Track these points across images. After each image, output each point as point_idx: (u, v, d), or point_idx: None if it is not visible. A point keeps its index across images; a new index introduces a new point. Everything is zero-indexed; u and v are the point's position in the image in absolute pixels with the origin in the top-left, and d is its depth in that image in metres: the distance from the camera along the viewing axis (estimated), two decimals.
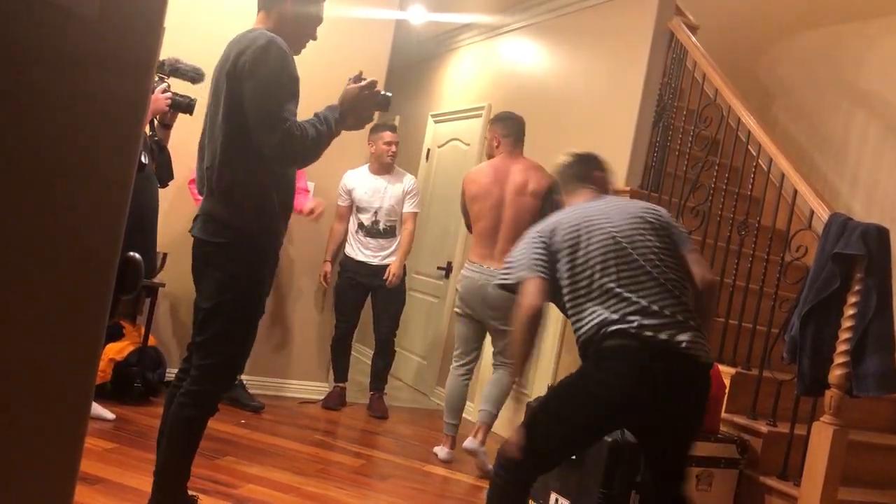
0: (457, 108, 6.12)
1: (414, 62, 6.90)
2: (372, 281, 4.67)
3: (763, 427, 3.19)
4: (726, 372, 3.29)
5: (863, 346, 2.88)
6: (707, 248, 3.79)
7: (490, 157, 4.12)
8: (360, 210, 4.70)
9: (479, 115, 5.69)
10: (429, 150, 6.43)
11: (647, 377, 2.20)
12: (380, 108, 2.41)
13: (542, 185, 3.91)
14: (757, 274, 3.55)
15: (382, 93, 2.38)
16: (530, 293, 2.32)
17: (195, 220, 2.43)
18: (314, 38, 2.48)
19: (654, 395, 2.22)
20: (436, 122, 6.42)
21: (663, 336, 2.18)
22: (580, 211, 2.47)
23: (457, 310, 4.08)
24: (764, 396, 3.28)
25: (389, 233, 4.72)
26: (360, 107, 2.36)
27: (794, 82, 4.85)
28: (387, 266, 4.67)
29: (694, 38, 4.16)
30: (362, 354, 6.33)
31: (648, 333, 2.18)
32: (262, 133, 2.21)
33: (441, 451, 4.00)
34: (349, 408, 4.78)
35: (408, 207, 4.76)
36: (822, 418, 2.93)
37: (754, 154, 3.79)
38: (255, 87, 2.21)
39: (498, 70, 5.72)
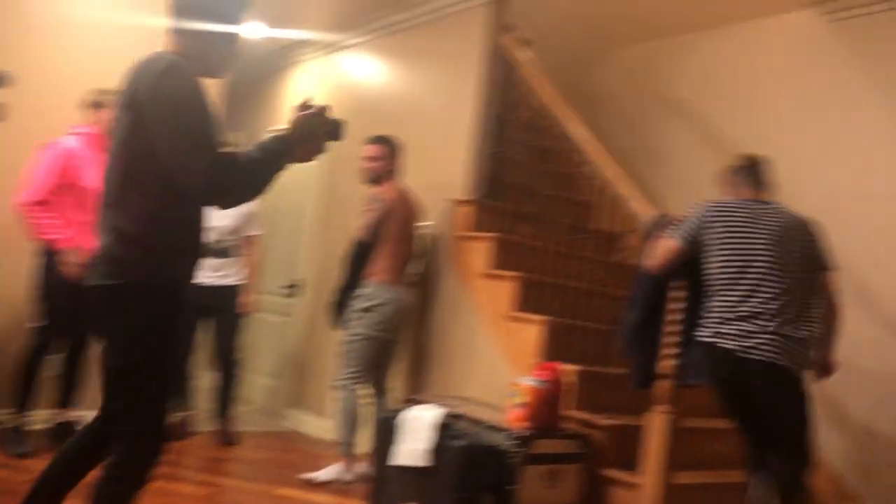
0: None
1: (254, 78, 6.76)
2: (208, 302, 4.48)
3: (604, 420, 3.35)
4: (568, 370, 3.43)
5: (687, 336, 3.10)
6: (545, 253, 3.94)
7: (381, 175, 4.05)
8: None
9: None
10: None
11: None
12: (331, 138, 2.11)
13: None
14: (590, 274, 3.73)
15: (333, 119, 2.10)
16: None
17: (90, 266, 2.12)
18: (232, 59, 2.22)
19: None
20: None
21: None
22: None
23: (373, 333, 3.94)
24: (604, 392, 3.44)
25: (224, 253, 4.55)
26: (310, 136, 2.07)
27: (618, 94, 5.16)
28: (223, 287, 4.52)
29: (525, 53, 4.34)
30: (208, 380, 6.09)
31: None
32: (185, 165, 1.93)
33: (332, 471, 3.92)
34: (197, 436, 4.59)
35: (252, 230, 4.64)
36: (655, 408, 3.11)
37: (584, 162, 4.00)
38: (163, 116, 1.94)
39: (339, 86, 5.71)
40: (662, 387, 3.10)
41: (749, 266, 2.83)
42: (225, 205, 2.05)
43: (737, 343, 2.78)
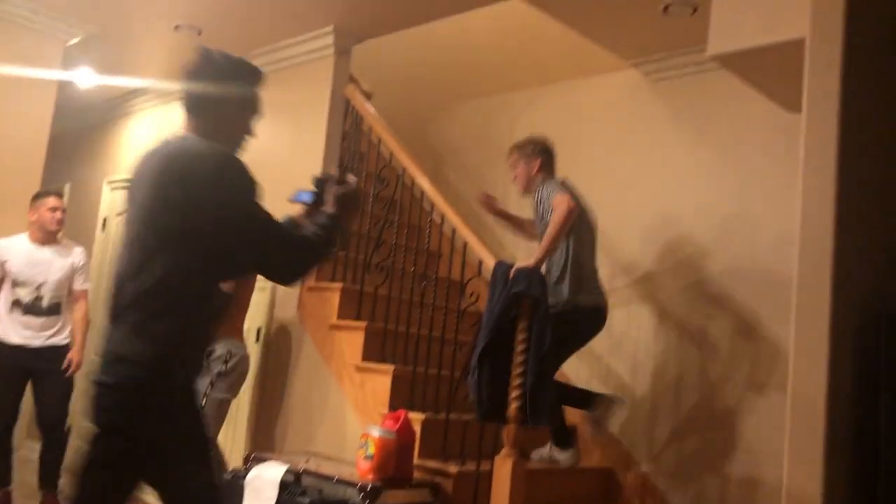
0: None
1: (85, 126, 6.43)
2: (34, 365, 4.13)
3: (453, 468, 3.34)
4: (416, 418, 3.41)
5: (537, 380, 3.17)
6: (392, 302, 3.95)
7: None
8: (17, 285, 4.12)
9: None
10: (105, 218, 5.99)
11: None
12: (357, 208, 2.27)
13: None
14: (438, 322, 3.75)
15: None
16: None
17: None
18: (253, 135, 2.20)
19: None
20: (112, 189, 6.02)
21: None
22: None
23: (230, 396, 3.69)
24: (453, 438, 3.44)
25: (54, 310, 4.20)
26: (350, 210, 2.18)
27: (460, 145, 5.32)
28: (50, 347, 4.16)
29: (368, 105, 4.39)
30: (32, 450, 5.58)
31: None
32: (272, 261, 2.02)
33: None
34: None
35: (79, 284, 4.32)
36: (501, 452, 3.14)
37: (429, 211, 4.06)
38: (237, 216, 1.96)
39: None
40: (508, 429, 3.14)
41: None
42: (294, 284, 2.26)
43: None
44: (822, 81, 2.47)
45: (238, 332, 3.78)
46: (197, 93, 2.07)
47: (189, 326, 1.98)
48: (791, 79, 2.81)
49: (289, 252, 2.04)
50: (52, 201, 4.24)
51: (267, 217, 2.01)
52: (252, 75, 2.15)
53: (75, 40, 4.77)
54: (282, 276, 2.08)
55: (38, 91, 4.61)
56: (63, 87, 4.89)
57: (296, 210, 2.36)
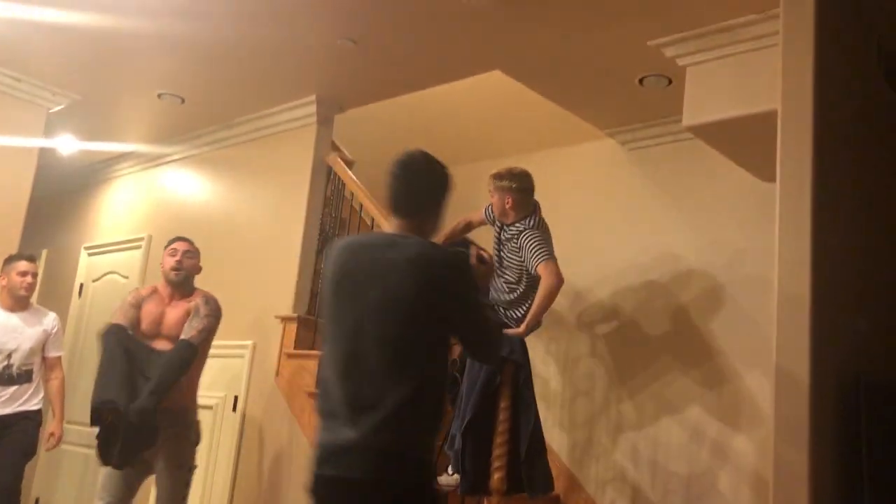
0: (114, 240, 5.77)
1: (64, 192, 6.41)
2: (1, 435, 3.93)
3: None
4: None
5: (531, 451, 3.13)
6: None
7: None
8: None
9: (139, 247, 5.43)
10: (82, 284, 5.92)
11: None
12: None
13: None
14: None
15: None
16: None
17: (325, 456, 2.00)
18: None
19: None
20: (90, 254, 5.98)
21: None
22: None
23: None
24: None
25: (25, 378, 4.04)
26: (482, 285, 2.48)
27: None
28: (18, 414, 3.97)
29: (350, 172, 4.43)
30: None
31: None
32: (490, 344, 2.27)
33: None
34: None
35: (53, 352, 4.19)
36: None
37: None
38: (465, 305, 2.13)
39: (159, 200, 5.54)
40: (490, 501, 3.09)
41: None
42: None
43: None
44: (795, 152, 2.53)
45: (195, 401, 3.68)
46: (422, 196, 2.21)
47: (442, 415, 2.13)
48: (764, 149, 2.87)
49: (498, 337, 2.38)
50: (22, 265, 4.11)
51: (486, 308, 2.36)
52: (449, 176, 2.30)
53: (58, 108, 4.81)
54: (490, 357, 2.38)
55: (20, 157, 4.62)
56: (44, 152, 4.90)
57: None
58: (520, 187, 3.54)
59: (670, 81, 3.82)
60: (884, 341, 2.85)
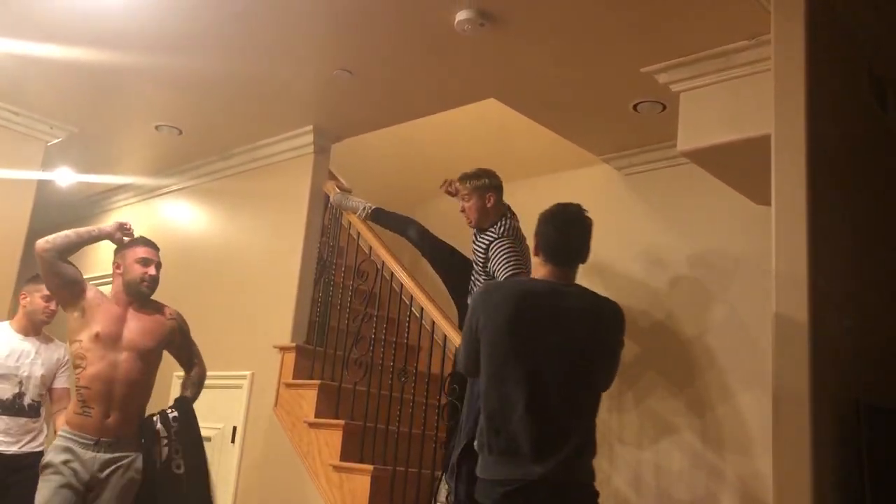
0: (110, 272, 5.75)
1: (63, 224, 6.37)
2: (6, 478, 3.52)
3: None
4: None
5: None
6: (371, 398, 3.89)
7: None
8: None
9: None
10: None
11: None
12: None
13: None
14: (418, 418, 3.70)
15: None
16: None
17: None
18: None
19: None
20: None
21: None
22: None
23: None
24: None
25: (35, 410, 3.70)
26: None
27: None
28: (25, 455, 3.57)
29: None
30: None
31: None
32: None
33: None
34: None
35: (62, 382, 3.83)
36: None
37: (409, 304, 4.06)
38: (619, 351, 2.47)
39: (157, 231, 5.51)
40: None
41: None
42: None
43: None
44: (789, 175, 2.54)
45: None
46: (584, 248, 2.44)
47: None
48: (758, 173, 2.89)
49: None
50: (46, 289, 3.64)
51: None
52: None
53: (56, 140, 4.83)
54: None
55: (18, 190, 4.63)
56: (42, 185, 4.91)
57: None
58: (497, 183, 3.60)
59: (664, 107, 3.84)
60: (882, 363, 2.85)
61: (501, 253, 3.37)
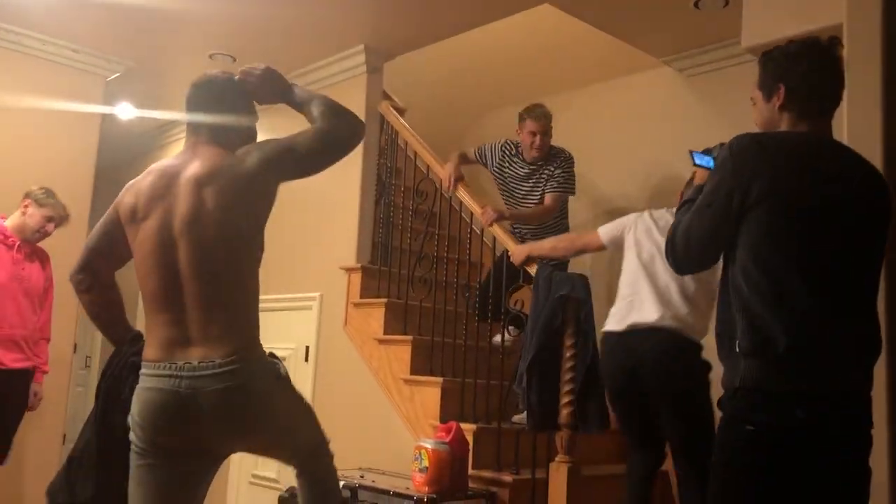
0: None
1: (124, 160, 6.56)
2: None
3: (508, 477, 3.32)
4: (468, 429, 3.41)
5: (585, 387, 3.15)
6: (437, 314, 3.95)
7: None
8: None
9: None
10: None
11: None
12: None
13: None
14: (484, 331, 3.75)
15: None
16: None
17: None
18: None
19: None
20: None
21: None
22: None
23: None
24: (506, 447, 3.43)
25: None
26: None
27: None
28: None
29: (402, 120, 4.42)
30: None
31: None
32: None
33: None
34: None
35: None
36: (556, 458, 3.12)
37: (468, 222, 4.07)
38: None
39: None
40: (561, 436, 3.12)
41: None
42: None
43: None
44: (864, 68, 2.42)
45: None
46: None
47: None
48: None
49: None
50: None
51: None
52: None
53: (115, 76, 4.90)
54: None
55: (83, 127, 4.74)
56: (105, 120, 5.01)
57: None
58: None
59: (727, 2, 3.67)
60: None
61: (569, 171, 3.94)
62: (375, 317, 4.10)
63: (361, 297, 4.25)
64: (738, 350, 1.77)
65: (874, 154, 2.32)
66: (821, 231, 1.78)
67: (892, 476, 2.10)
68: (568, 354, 3.15)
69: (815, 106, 1.89)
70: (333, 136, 2.08)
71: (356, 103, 4.49)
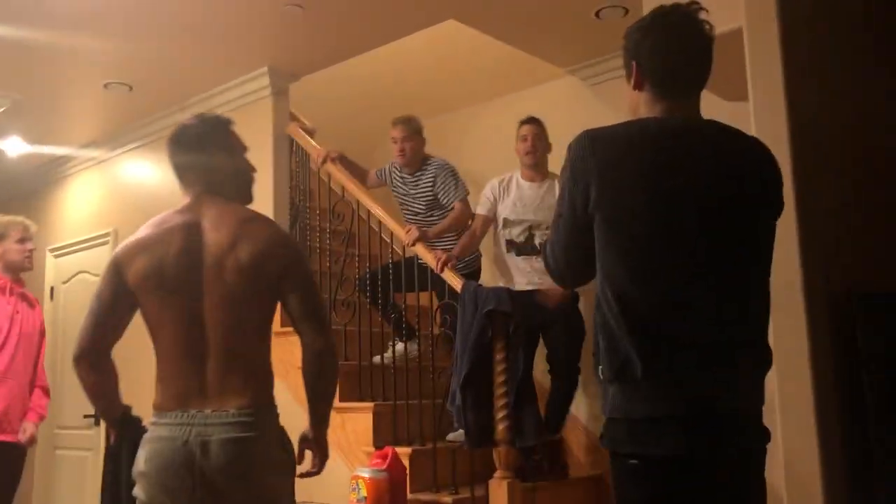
0: (79, 239, 5.63)
1: (18, 196, 6.22)
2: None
3: (447, 497, 3.27)
4: (403, 452, 3.35)
5: (519, 400, 3.14)
6: (363, 337, 3.88)
7: None
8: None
9: (106, 243, 5.32)
10: (52, 288, 5.80)
11: None
12: None
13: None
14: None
15: None
16: None
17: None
18: None
19: None
20: (56, 256, 5.84)
21: None
22: None
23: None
24: (443, 468, 3.38)
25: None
26: None
27: None
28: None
29: (312, 141, 4.33)
30: None
31: None
32: None
33: None
34: None
35: None
36: (495, 475, 3.10)
37: (389, 241, 4.01)
38: None
39: (120, 192, 5.40)
40: (499, 451, 3.10)
41: None
42: None
43: None
44: (764, 69, 2.50)
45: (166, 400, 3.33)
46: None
47: None
48: (727, 69, 2.83)
49: None
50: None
51: None
52: None
53: (1, 109, 4.62)
54: None
55: None
56: None
57: None
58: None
59: (627, 11, 3.76)
60: (871, 252, 2.87)
61: (451, 176, 3.95)
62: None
63: (282, 325, 4.11)
64: (600, 376, 1.59)
65: (781, 151, 2.40)
66: (665, 233, 1.55)
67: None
68: (499, 369, 3.13)
69: (669, 85, 1.67)
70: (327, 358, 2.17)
71: (263, 126, 4.39)
